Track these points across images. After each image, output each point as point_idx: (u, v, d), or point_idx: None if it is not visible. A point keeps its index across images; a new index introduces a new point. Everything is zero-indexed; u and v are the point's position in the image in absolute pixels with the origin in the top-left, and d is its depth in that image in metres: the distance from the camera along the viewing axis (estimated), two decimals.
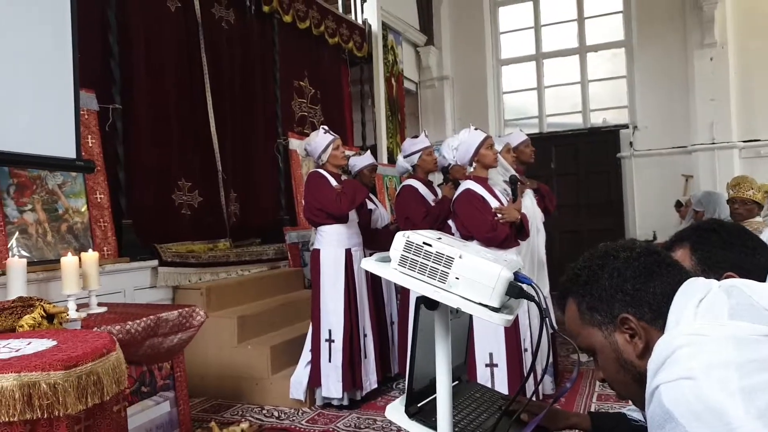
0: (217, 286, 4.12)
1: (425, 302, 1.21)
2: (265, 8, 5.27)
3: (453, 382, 1.53)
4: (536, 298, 1.12)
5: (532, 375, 3.26)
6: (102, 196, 3.61)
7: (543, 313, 1.12)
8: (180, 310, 2.77)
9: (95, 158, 3.55)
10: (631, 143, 7.43)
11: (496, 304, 1.12)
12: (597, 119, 7.95)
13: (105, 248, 3.53)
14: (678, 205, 6.22)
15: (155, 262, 3.82)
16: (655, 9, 7.23)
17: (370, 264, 1.27)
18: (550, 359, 3.70)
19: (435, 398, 1.28)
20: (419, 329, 1.31)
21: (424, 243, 1.20)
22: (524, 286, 1.18)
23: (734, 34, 6.83)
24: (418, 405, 1.36)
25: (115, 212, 3.71)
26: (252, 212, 5.06)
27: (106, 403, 1.53)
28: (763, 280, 1.02)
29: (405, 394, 1.36)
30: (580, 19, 7.98)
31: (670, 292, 0.95)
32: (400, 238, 1.23)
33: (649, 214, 7.15)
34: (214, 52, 4.76)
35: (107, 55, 3.82)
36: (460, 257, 1.16)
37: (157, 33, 4.26)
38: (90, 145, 3.57)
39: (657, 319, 0.96)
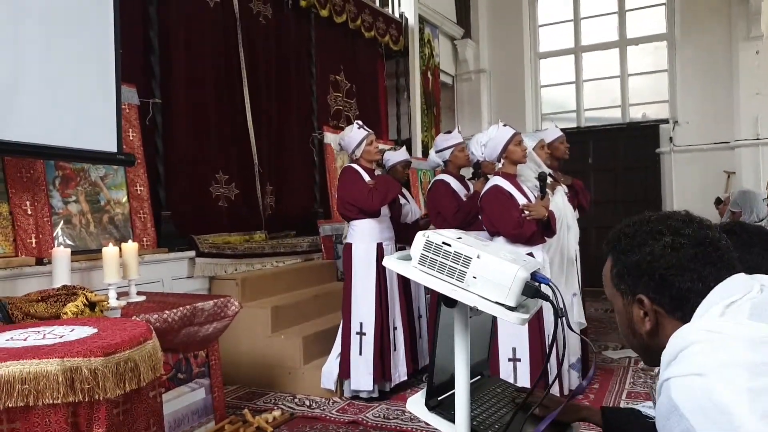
0: (252, 277, 4.22)
1: (444, 300, 1.25)
2: (303, 3, 5.34)
3: (475, 377, 1.58)
4: (551, 298, 1.14)
5: (550, 370, 3.26)
6: (142, 188, 3.74)
7: (558, 313, 1.14)
8: (215, 300, 2.86)
9: (135, 151, 3.68)
10: (671, 138, 7.25)
11: (512, 303, 1.15)
12: (636, 114, 7.78)
13: (144, 239, 3.66)
14: (717, 201, 6.06)
15: (192, 253, 3.94)
16: (700, 1, 7.02)
17: (392, 262, 1.31)
18: (575, 356, 3.69)
19: (454, 392, 1.31)
20: (440, 326, 1.35)
21: (443, 243, 1.23)
22: (542, 286, 1.21)
23: None
24: (438, 398, 1.39)
25: (155, 204, 3.84)
26: (287, 205, 5.16)
27: (142, 388, 1.61)
28: None
29: (426, 388, 1.40)
30: (621, 12, 7.80)
31: (700, 288, 0.95)
32: (420, 238, 1.27)
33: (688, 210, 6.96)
34: (251, 46, 4.85)
35: (148, 51, 3.94)
36: (478, 257, 1.19)
37: (196, 28, 4.37)
38: (131, 138, 3.70)
39: (676, 310, 0.97)
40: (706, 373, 0.80)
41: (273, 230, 4.90)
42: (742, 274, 0.97)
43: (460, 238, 1.26)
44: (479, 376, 1.61)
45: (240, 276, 4.14)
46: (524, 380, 3.22)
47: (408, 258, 1.31)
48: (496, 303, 1.16)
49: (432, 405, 1.38)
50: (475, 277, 1.18)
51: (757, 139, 6.64)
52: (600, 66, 7.99)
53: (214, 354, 2.94)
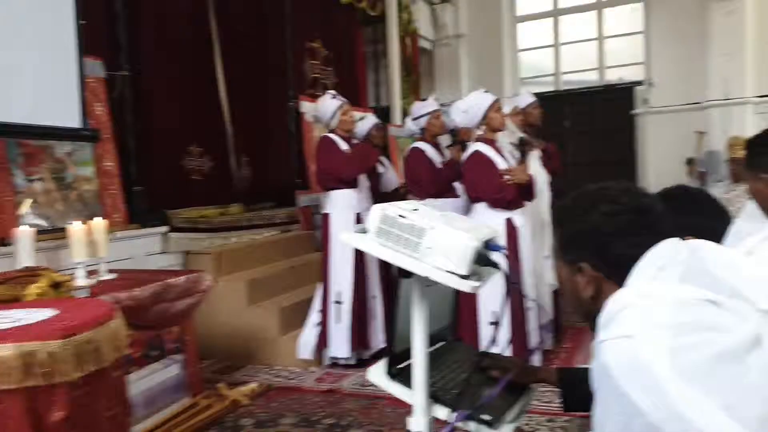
0: (228, 250, 4.20)
1: (401, 271, 1.26)
2: None
3: (437, 343, 1.60)
4: (502, 266, 1.16)
5: (523, 333, 3.32)
6: (111, 163, 3.68)
7: (508, 279, 1.16)
8: (187, 276, 2.85)
9: (103, 126, 3.60)
10: (645, 100, 7.28)
11: (464, 272, 1.16)
12: (613, 76, 7.78)
13: (115, 215, 3.61)
14: (689, 161, 6.16)
15: (166, 228, 3.91)
16: None
17: (349, 236, 1.31)
18: (546, 318, 3.75)
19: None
20: (401, 296, 1.36)
21: (399, 215, 1.24)
22: (496, 253, 1.22)
23: None
24: (399, 366, 1.41)
25: (125, 179, 3.78)
26: (263, 176, 5.12)
27: (105, 369, 1.61)
28: (720, 244, 1.04)
29: (386, 357, 1.41)
30: None
31: (635, 253, 0.99)
32: (377, 210, 1.27)
33: (661, 171, 7.02)
34: (223, 13, 4.74)
35: (114, 21, 3.83)
36: (432, 228, 1.20)
37: None
38: (98, 112, 3.62)
39: (614, 275, 1.01)
40: (633, 334, 0.83)
41: (250, 202, 4.87)
42: (673, 239, 1.00)
43: (416, 209, 1.26)
44: (442, 342, 1.63)
45: (215, 250, 4.11)
46: (502, 342, 3.28)
47: (365, 231, 1.31)
48: (449, 272, 1.17)
49: (393, 373, 1.39)
50: (429, 248, 1.19)
51: (727, 99, 6.69)
52: (578, 29, 7.93)
53: (188, 329, 2.94)
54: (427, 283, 1.29)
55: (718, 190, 3.91)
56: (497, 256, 1.21)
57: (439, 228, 1.19)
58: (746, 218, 1.67)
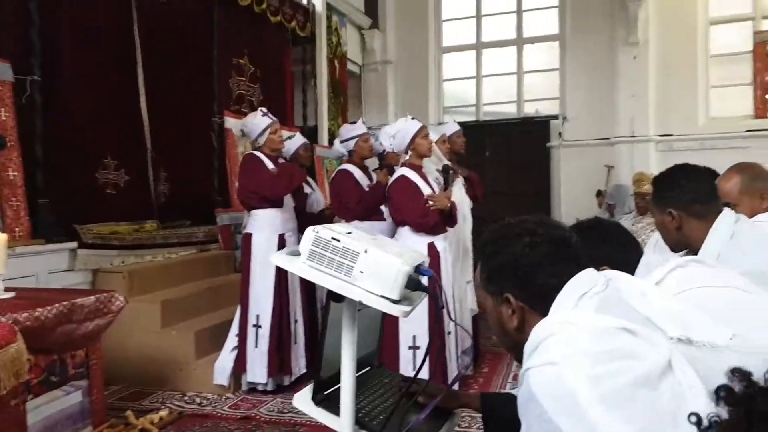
0: (141, 269, 4.00)
1: (332, 295, 1.24)
2: None
3: (364, 368, 1.58)
4: (432, 291, 1.17)
5: (444, 358, 3.37)
6: (15, 173, 3.42)
7: (438, 304, 1.17)
8: (97, 296, 2.68)
9: (8, 133, 3.35)
10: (560, 133, 7.70)
11: (395, 297, 1.16)
12: (530, 109, 8.17)
13: (17, 229, 3.35)
14: (598, 193, 6.56)
15: (74, 244, 3.66)
16: (588, 5, 7.46)
17: (280, 259, 1.29)
18: (467, 342, 3.82)
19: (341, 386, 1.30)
20: (329, 320, 1.34)
21: (332, 238, 1.22)
22: (425, 278, 1.23)
23: (655, 34, 7.16)
24: (326, 393, 1.38)
25: (30, 191, 3.52)
26: (183, 192, 4.92)
27: (2, 396, 1.46)
28: (632, 274, 1.10)
29: (312, 383, 1.38)
30: (519, 11, 8.12)
31: (556, 283, 1.03)
32: (309, 233, 1.26)
33: (574, 202, 7.44)
34: (147, 23, 4.57)
35: (27, 24, 3.59)
36: (366, 252, 1.19)
37: (86, 7, 4.05)
38: (3, 118, 3.37)
39: (537, 305, 1.05)
40: (557, 362, 0.86)
41: (166, 219, 4.66)
42: (591, 269, 1.06)
43: (350, 233, 1.25)
44: (368, 368, 1.61)
45: (127, 268, 3.91)
46: (424, 367, 3.29)
47: (297, 253, 1.28)
48: (381, 296, 1.17)
49: (319, 399, 1.36)
50: (362, 272, 1.19)
51: (633, 136, 7.22)
52: (499, 62, 8.29)
53: (94, 353, 2.75)
54: (358, 307, 1.28)
55: (625, 222, 4.18)
56: (426, 281, 1.22)
57: (372, 252, 1.19)
58: (654, 250, 1.79)
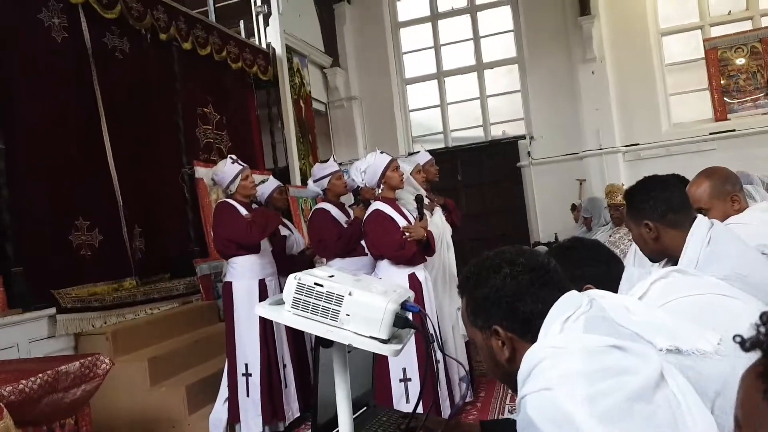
0: (124, 328, 3.94)
1: (320, 341, 1.24)
2: (162, 36, 5.14)
3: (360, 408, 1.58)
4: (421, 328, 1.19)
5: (436, 389, 3.36)
6: None
7: (428, 339, 1.18)
8: (82, 360, 2.62)
9: None
10: (529, 153, 7.86)
11: (385, 336, 1.17)
12: (497, 132, 8.35)
13: None
14: (573, 208, 6.66)
15: (53, 310, 3.59)
16: (542, 27, 7.72)
17: (264, 309, 1.28)
18: (463, 370, 3.82)
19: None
20: (320, 364, 1.34)
21: (315, 284, 1.23)
22: (411, 314, 1.25)
23: (610, 50, 7.45)
24: None
25: (2, 260, 3.46)
26: (159, 246, 4.87)
27: None
28: (616, 291, 1.14)
29: (310, 429, 1.38)
30: (476, 38, 8.36)
31: (541, 309, 1.05)
32: (291, 281, 1.25)
33: (549, 217, 7.58)
34: (108, 82, 4.56)
35: None
36: (350, 294, 1.20)
37: (43, 67, 4.05)
38: None
39: (526, 333, 1.06)
40: (552, 386, 0.88)
41: (145, 275, 4.60)
42: (573, 292, 1.08)
43: (332, 276, 1.26)
44: (365, 408, 1.61)
45: (110, 329, 3.84)
46: (416, 399, 3.28)
47: (281, 302, 1.29)
48: (370, 338, 1.17)
49: None
50: (348, 315, 1.19)
51: (600, 149, 7.42)
52: (462, 89, 8.49)
53: (84, 419, 2.68)
54: (348, 349, 1.29)
55: (603, 234, 4.25)
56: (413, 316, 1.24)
57: (357, 293, 1.20)
58: (635, 262, 1.83)
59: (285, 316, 1.25)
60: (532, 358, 0.95)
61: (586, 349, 0.91)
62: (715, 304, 1.11)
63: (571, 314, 1.02)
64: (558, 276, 1.12)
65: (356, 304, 1.18)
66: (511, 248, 1.17)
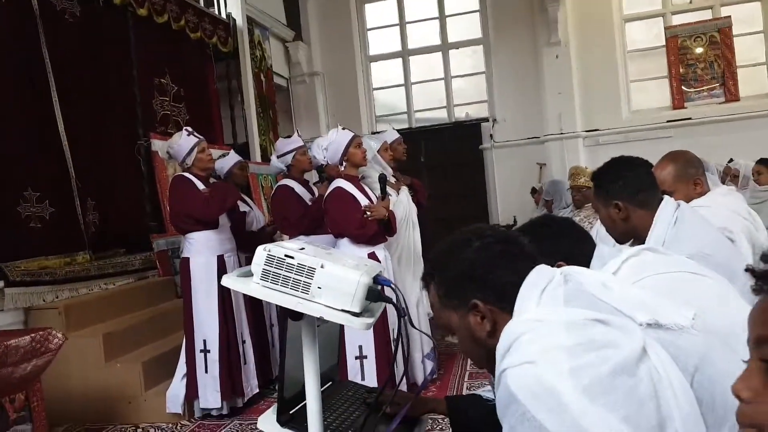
0: (78, 303, 3.82)
1: (290, 314, 1.22)
2: (116, 0, 4.92)
3: (326, 383, 1.57)
4: (394, 300, 1.18)
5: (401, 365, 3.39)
6: None
7: (400, 313, 1.17)
8: (33, 335, 2.54)
9: None
10: (491, 135, 7.92)
11: (357, 309, 1.16)
12: (461, 114, 8.37)
13: None
14: (533, 191, 6.76)
15: (1, 283, 3.45)
16: (508, 9, 7.74)
17: (231, 281, 1.25)
18: (428, 346, 3.86)
19: (306, 404, 1.29)
20: (288, 338, 1.32)
21: (286, 255, 1.20)
22: (386, 288, 1.24)
23: (575, 34, 7.54)
24: (291, 412, 1.37)
25: None
26: (114, 221, 4.72)
27: None
28: (588, 266, 1.15)
29: (276, 404, 1.36)
30: (442, 17, 8.32)
31: (516, 280, 1.05)
32: (261, 252, 1.22)
33: (509, 200, 7.69)
34: (57, 47, 4.34)
35: None
36: (322, 267, 1.18)
37: None
38: None
39: (503, 303, 1.05)
40: (534, 360, 0.87)
41: (99, 249, 4.45)
42: (543, 265, 1.08)
43: (303, 248, 1.24)
44: (330, 383, 1.61)
45: (63, 303, 3.72)
46: (371, 377, 3.32)
47: (249, 274, 1.26)
48: (342, 311, 1.16)
49: (284, 420, 1.35)
50: (319, 288, 1.17)
51: (561, 133, 7.53)
52: (426, 69, 8.45)
53: (35, 395, 2.60)
54: (318, 323, 1.27)
55: (564, 216, 4.33)
56: (388, 290, 1.23)
57: (329, 266, 1.18)
58: (602, 241, 1.86)
59: (253, 288, 1.22)
60: (511, 332, 0.94)
61: (568, 323, 0.91)
62: (686, 282, 1.13)
63: (545, 286, 1.02)
64: (530, 249, 1.12)
65: (328, 276, 1.17)
66: (475, 225, 1.16)
